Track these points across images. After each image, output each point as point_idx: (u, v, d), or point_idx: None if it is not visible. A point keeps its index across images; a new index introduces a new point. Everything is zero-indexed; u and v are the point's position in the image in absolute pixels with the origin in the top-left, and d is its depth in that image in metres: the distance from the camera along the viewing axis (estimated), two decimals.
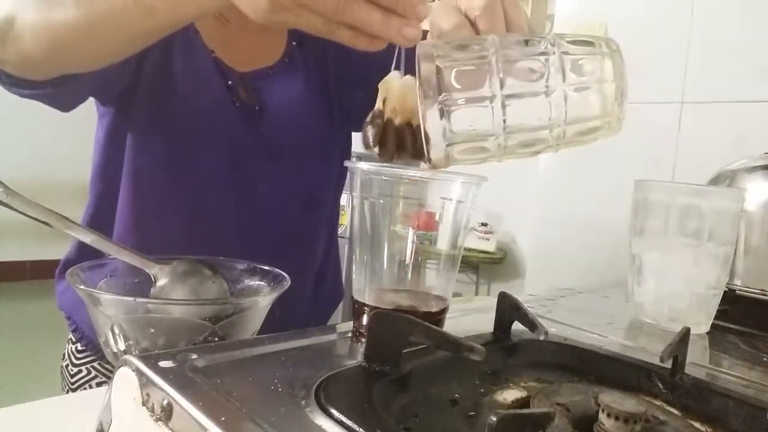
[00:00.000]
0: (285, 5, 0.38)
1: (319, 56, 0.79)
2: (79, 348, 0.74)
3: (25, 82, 0.54)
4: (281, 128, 0.74)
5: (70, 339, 0.76)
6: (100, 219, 0.70)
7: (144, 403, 0.32)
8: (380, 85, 0.45)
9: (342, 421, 0.29)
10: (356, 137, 0.85)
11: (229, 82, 0.71)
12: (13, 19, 0.49)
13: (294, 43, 0.78)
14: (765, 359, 0.56)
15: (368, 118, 0.45)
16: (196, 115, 0.69)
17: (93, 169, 0.73)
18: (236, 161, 0.71)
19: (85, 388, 0.72)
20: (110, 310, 0.45)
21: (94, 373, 0.72)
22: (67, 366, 0.74)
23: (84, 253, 0.64)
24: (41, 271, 3.88)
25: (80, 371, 0.73)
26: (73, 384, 0.73)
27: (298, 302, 0.79)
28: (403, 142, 0.44)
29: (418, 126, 0.46)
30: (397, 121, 0.44)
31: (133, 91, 0.67)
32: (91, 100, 0.68)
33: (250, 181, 0.73)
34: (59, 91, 0.56)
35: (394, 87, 0.44)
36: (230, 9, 0.42)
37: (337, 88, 0.79)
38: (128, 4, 0.45)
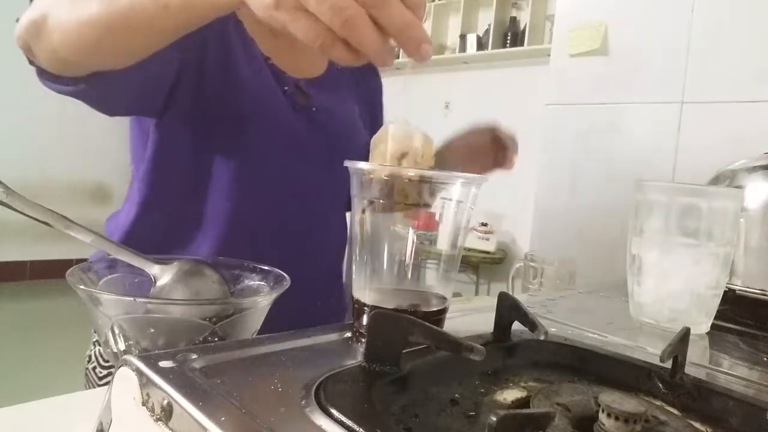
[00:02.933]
0: (283, 4, 0.37)
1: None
2: None
3: (60, 79, 0.56)
4: (334, 129, 0.78)
5: (96, 341, 0.75)
6: (143, 224, 0.72)
7: (144, 403, 0.32)
8: (380, 139, 0.45)
9: (342, 421, 0.29)
10: None
11: (285, 88, 0.74)
12: (47, 15, 0.52)
13: None
14: (765, 359, 0.56)
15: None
16: (260, 119, 0.72)
17: (140, 177, 0.73)
18: (296, 162, 0.75)
19: None
20: (110, 310, 0.45)
21: None
22: (94, 368, 0.74)
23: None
24: (41, 271, 3.88)
25: (110, 374, 0.73)
26: (101, 386, 0.73)
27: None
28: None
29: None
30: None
31: (194, 103, 0.69)
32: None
33: (307, 182, 0.76)
34: (94, 91, 0.58)
35: (415, 139, 0.44)
36: (242, 6, 0.42)
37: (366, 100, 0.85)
38: (145, 2, 0.47)
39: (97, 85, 0.57)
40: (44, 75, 0.57)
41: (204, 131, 0.70)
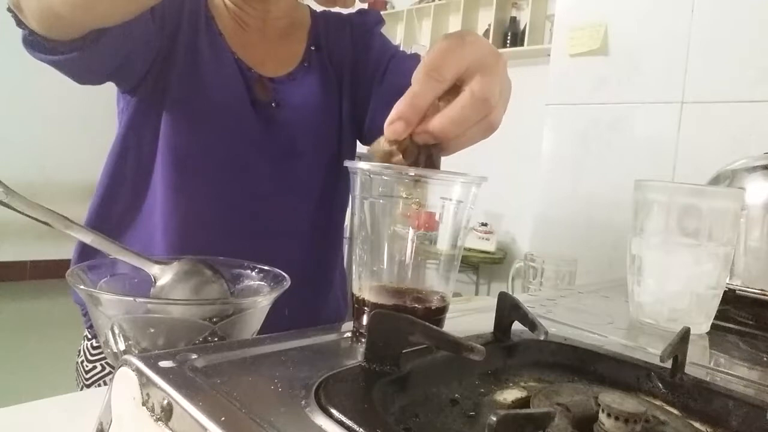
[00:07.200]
0: None
1: (338, 60, 0.81)
2: (95, 344, 0.75)
3: (50, 44, 0.55)
4: (295, 128, 0.76)
5: (86, 336, 0.76)
6: (104, 211, 0.72)
7: (144, 403, 0.32)
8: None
9: (342, 421, 0.29)
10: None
11: (248, 83, 0.74)
12: None
13: (312, 48, 0.79)
14: (765, 359, 0.56)
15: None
16: (218, 112, 0.72)
17: (107, 163, 0.74)
18: (248, 159, 0.73)
19: (99, 385, 0.73)
20: (110, 310, 0.45)
21: (108, 369, 0.73)
22: (82, 362, 0.75)
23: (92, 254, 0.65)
24: (41, 271, 3.88)
25: (95, 367, 0.73)
26: (87, 380, 0.74)
27: (326, 299, 0.81)
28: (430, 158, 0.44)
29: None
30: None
31: (161, 87, 0.69)
32: (111, 103, 0.70)
33: (261, 179, 0.74)
34: (82, 56, 0.57)
35: None
36: None
37: (351, 93, 0.81)
38: None
39: (86, 50, 0.56)
40: (32, 43, 0.55)
41: (166, 121, 0.70)
